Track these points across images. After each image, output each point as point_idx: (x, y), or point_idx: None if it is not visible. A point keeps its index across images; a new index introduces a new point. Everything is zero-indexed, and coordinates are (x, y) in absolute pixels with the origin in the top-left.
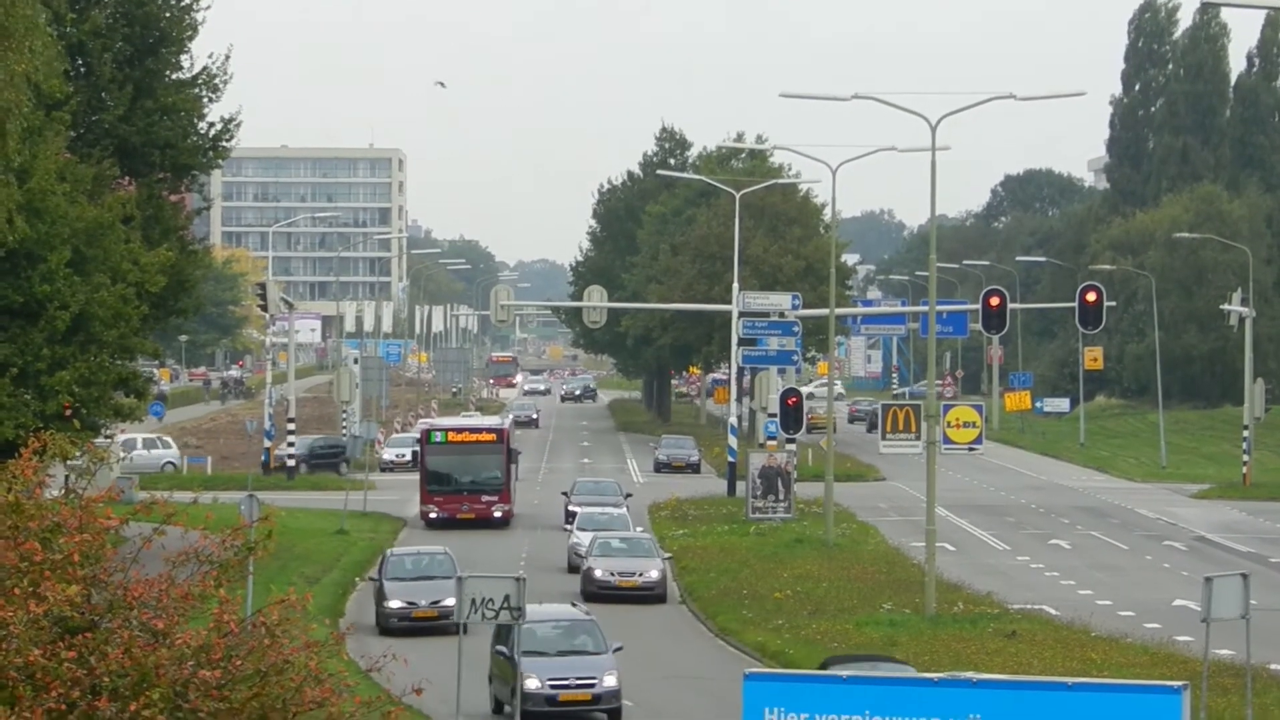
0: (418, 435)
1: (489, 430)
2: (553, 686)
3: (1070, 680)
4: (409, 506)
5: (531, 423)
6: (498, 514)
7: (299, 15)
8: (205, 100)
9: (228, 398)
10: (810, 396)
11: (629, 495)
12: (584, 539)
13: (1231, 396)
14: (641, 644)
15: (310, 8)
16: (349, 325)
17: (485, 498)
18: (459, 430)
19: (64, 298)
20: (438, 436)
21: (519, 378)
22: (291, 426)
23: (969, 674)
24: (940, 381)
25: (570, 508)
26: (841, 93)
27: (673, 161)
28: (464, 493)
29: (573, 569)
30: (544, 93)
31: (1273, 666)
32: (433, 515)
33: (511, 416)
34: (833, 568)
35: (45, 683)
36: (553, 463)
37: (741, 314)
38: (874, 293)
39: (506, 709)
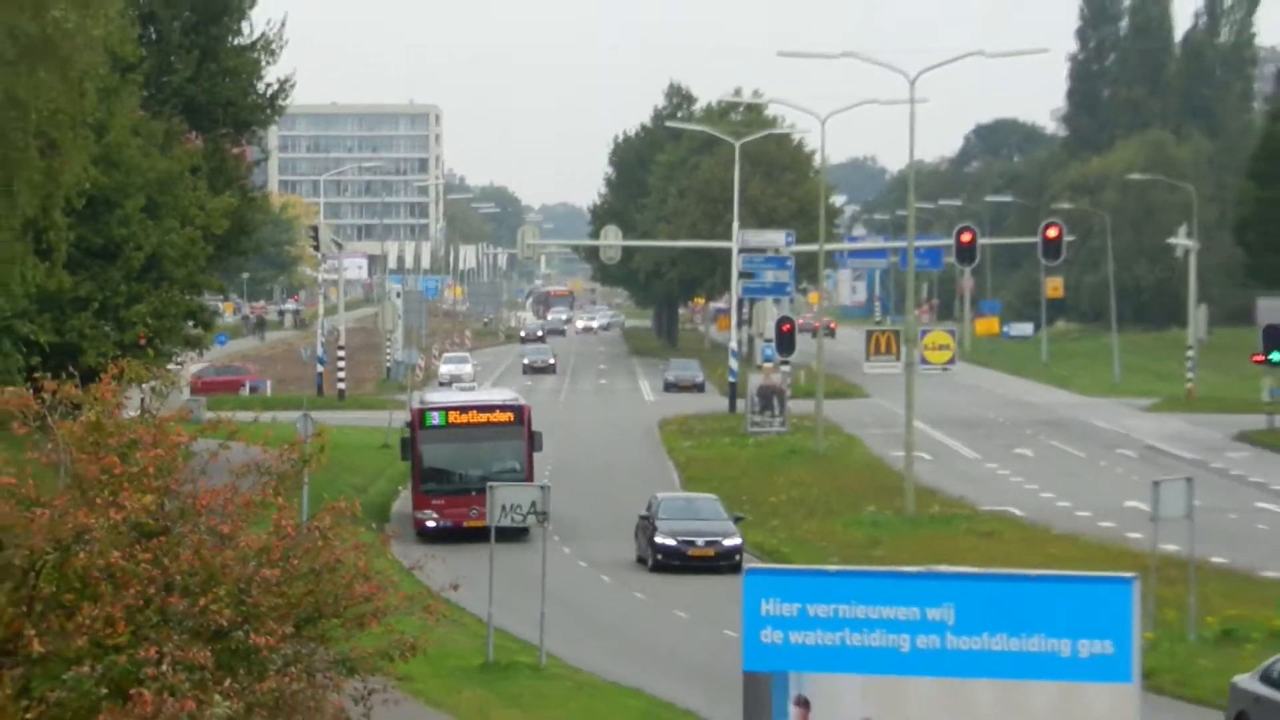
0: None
1: (503, 408)
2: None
3: (1033, 573)
4: None
5: (549, 369)
6: None
7: None
8: (263, 63)
9: (258, 331)
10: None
11: (739, 519)
12: None
13: (1177, 320)
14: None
15: None
16: (392, 263)
17: None
18: (464, 409)
19: (139, 240)
20: (435, 418)
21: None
22: (341, 354)
23: (944, 567)
24: (918, 309)
25: (658, 539)
26: (831, 50)
27: (680, 114)
28: (472, 492)
29: None
30: (566, 53)
31: (1213, 560)
32: (430, 524)
33: (526, 361)
34: (822, 475)
35: (124, 581)
36: (574, 384)
37: (741, 250)
38: (859, 230)
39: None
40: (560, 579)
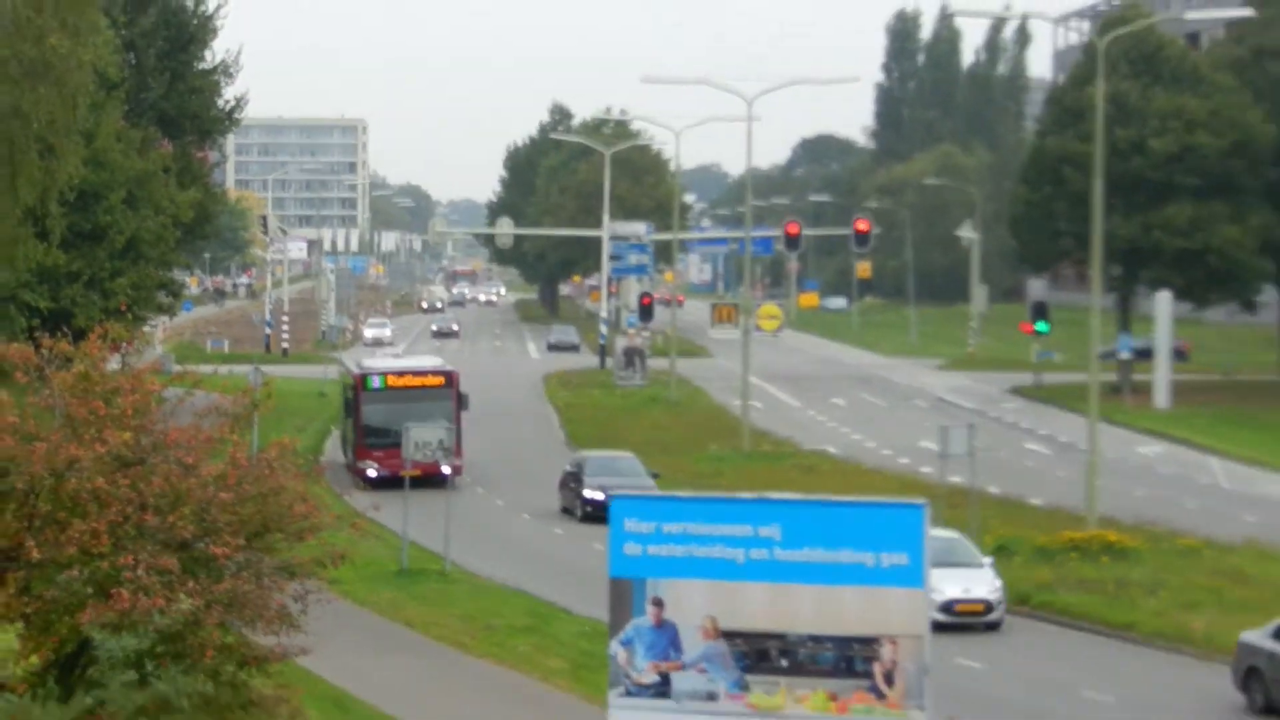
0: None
1: (435, 373)
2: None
3: (844, 499)
4: None
5: (453, 334)
6: (446, 470)
7: (292, 16)
8: (223, 83)
9: (217, 300)
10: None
11: (656, 475)
12: None
13: (963, 297)
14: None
15: (300, 11)
16: (327, 246)
17: None
18: (400, 373)
19: (120, 225)
20: (375, 381)
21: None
22: (285, 319)
23: (773, 494)
24: (752, 287)
25: (586, 493)
26: (686, 76)
27: (561, 128)
28: None
29: None
30: (470, 75)
31: (990, 490)
32: (371, 473)
33: (434, 328)
34: (675, 419)
35: (107, 502)
36: (474, 346)
37: (610, 238)
38: (706, 222)
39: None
40: (468, 508)
